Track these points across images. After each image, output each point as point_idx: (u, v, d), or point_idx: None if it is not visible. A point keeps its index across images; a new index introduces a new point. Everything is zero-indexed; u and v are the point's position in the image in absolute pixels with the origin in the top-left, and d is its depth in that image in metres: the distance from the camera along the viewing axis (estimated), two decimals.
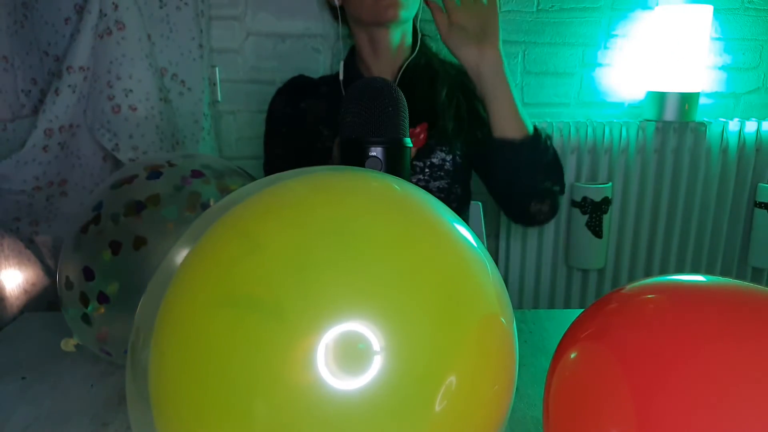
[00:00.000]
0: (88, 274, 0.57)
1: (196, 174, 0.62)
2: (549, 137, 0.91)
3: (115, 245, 0.57)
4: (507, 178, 0.91)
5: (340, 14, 0.96)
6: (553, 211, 0.94)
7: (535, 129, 0.89)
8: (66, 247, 0.61)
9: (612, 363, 0.32)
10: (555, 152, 0.91)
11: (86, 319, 0.58)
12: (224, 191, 0.62)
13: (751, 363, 0.28)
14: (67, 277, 0.59)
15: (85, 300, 0.58)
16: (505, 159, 0.88)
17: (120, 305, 0.57)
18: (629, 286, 0.38)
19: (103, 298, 0.57)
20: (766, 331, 0.29)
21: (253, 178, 0.70)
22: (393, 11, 0.87)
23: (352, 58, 1.00)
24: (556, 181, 0.91)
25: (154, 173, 0.61)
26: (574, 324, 0.38)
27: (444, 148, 0.96)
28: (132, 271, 0.56)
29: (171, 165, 0.62)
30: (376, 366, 0.28)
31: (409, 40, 0.97)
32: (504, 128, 0.86)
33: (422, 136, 0.77)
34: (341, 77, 0.95)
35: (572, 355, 0.36)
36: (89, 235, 0.59)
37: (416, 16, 0.97)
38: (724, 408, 0.27)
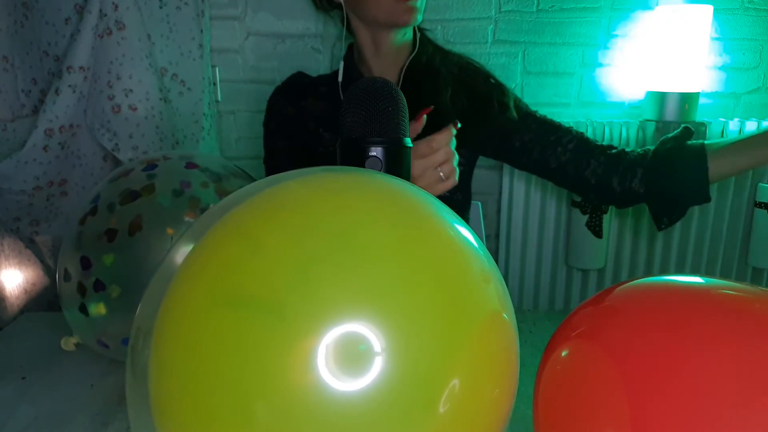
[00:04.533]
0: (85, 264, 0.58)
1: (190, 165, 0.64)
2: None
3: (111, 232, 0.58)
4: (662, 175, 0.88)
5: (343, 11, 0.95)
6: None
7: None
8: (65, 240, 0.62)
9: (605, 363, 0.32)
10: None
11: (83, 309, 0.59)
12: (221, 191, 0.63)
13: (744, 363, 0.28)
14: (65, 269, 0.61)
15: (82, 289, 0.59)
16: (678, 164, 0.86)
17: (118, 289, 0.58)
18: (622, 286, 0.37)
19: (99, 286, 0.58)
20: (759, 331, 0.29)
21: (250, 177, 0.71)
22: (410, 15, 0.86)
23: (351, 56, 0.99)
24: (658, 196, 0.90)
25: (150, 165, 0.63)
26: (565, 321, 0.38)
27: None
28: (128, 256, 0.58)
29: (166, 158, 0.65)
30: (377, 367, 0.28)
31: (409, 35, 0.96)
32: (721, 173, 0.85)
33: (422, 118, 0.76)
34: (340, 79, 0.94)
35: (563, 353, 0.36)
36: (86, 226, 0.60)
37: None
38: (720, 409, 0.27)
